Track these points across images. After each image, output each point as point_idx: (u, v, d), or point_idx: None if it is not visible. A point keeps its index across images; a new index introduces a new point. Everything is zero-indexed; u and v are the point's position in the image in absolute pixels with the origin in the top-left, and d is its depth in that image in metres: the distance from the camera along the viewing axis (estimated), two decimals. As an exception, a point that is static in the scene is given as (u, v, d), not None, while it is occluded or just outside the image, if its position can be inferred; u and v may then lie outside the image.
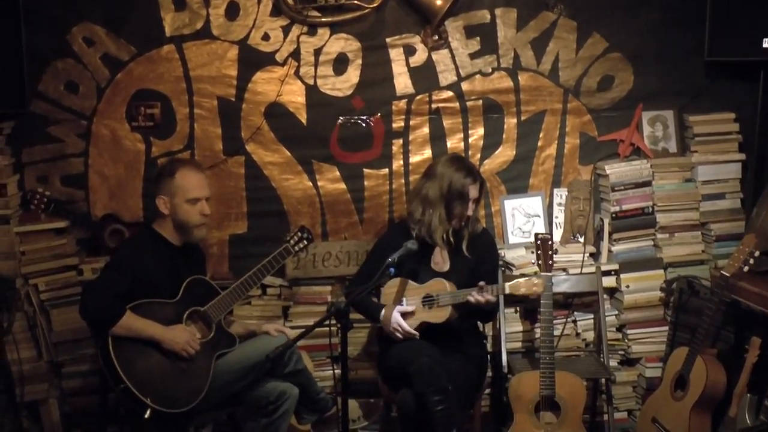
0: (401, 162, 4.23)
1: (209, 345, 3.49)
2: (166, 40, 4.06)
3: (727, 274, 3.51)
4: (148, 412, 3.24)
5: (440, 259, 3.73)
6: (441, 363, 3.42)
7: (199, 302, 3.53)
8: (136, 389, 3.25)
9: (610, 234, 4.18)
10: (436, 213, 3.64)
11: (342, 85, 4.15)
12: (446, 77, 4.18)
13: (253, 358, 3.48)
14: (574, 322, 4.18)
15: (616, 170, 4.17)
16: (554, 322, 3.83)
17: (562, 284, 4.00)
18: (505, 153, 4.27)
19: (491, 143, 4.25)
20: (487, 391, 4.07)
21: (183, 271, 3.55)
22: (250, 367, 3.48)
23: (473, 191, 3.64)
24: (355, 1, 4.04)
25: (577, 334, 4.18)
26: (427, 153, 4.22)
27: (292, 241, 3.81)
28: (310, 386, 3.66)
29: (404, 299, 3.64)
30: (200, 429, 3.76)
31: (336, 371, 3.92)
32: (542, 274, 3.67)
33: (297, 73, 4.12)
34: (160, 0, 4.02)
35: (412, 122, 4.21)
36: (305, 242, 3.85)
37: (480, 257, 3.73)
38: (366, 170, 4.23)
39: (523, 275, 3.81)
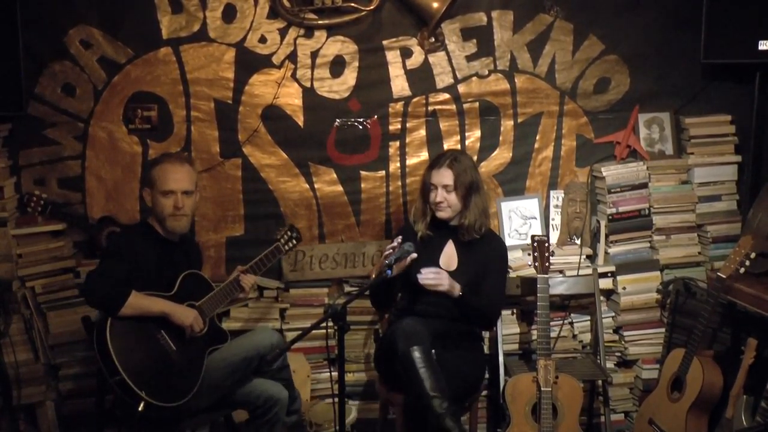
0: (398, 164, 4.23)
1: (202, 340, 3.49)
2: (162, 43, 4.06)
3: (724, 276, 3.51)
4: (141, 405, 3.24)
5: (448, 259, 3.71)
6: (426, 325, 3.43)
7: (194, 297, 3.53)
8: (131, 381, 3.24)
9: (606, 236, 4.18)
10: (417, 208, 3.77)
11: (339, 87, 4.15)
12: (443, 79, 4.19)
13: (242, 354, 3.49)
14: (571, 324, 4.18)
15: (612, 172, 4.18)
16: (551, 324, 3.84)
17: (559, 286, 4.00)
18: (501, 155, 4.27)
19: (488, 145, 4.26)
20: (484, 393, 4.08)
21: (179, 265, 3.55)
22: (239, 362, 3.48)
23: (436, 177, 3.64)
24: (352, 4, 4.04)
25: (574, 336, 4.19)
26: (424, 155, 4.22)
27: (282, 240, 3.84)
28: (290, 385, 3.67)
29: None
30: (196, 431, 3.76)
31: (333, 373, 3.91)
32: (538, 275, 3.68)
33: (294, 76, 4.13)
34: (157, 2, 4.02)
35: (408, 124, 4.22)
36: (294, 241, 3.89)
37: (488, 258, 3.70)
38: (363, 172, 4.23)
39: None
